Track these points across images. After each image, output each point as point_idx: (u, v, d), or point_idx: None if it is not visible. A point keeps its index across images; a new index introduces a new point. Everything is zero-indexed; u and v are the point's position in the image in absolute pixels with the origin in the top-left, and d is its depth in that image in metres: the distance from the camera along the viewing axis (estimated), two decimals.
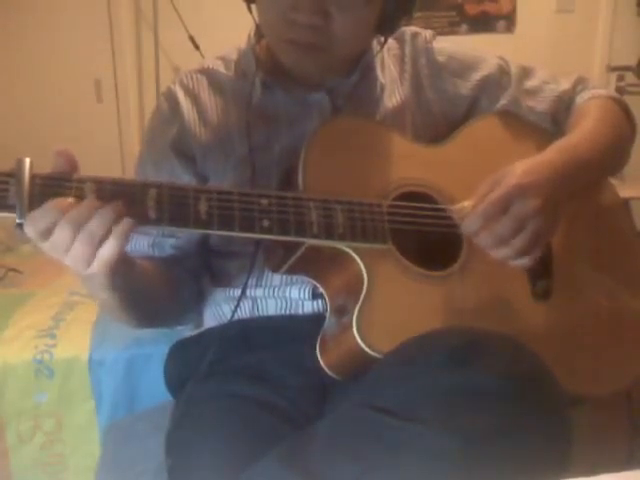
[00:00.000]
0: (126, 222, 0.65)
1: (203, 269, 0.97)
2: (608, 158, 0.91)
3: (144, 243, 0.91)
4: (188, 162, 0.91)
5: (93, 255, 0.65)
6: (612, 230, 0.98)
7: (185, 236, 0.91)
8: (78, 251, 0.64)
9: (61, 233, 0.63)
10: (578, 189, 0.85)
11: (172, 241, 0.91)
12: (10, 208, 0.62)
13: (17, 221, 0.62)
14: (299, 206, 0.75)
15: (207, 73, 0.95)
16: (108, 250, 0.65)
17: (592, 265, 0.92)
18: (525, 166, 0.78)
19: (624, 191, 1.04)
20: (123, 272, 0.73)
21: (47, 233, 0.63)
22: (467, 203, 0.78)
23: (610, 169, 0.96)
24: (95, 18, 2.68)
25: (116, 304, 0.80)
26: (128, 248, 0.88)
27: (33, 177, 0.63)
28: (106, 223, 0.64)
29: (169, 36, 2.68)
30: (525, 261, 0.78)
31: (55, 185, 0.64)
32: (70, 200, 0.64)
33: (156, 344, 1.29)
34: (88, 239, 0.63)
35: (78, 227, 0.63)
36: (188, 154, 0.91)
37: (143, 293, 0.83)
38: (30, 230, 0.63)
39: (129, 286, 0.77)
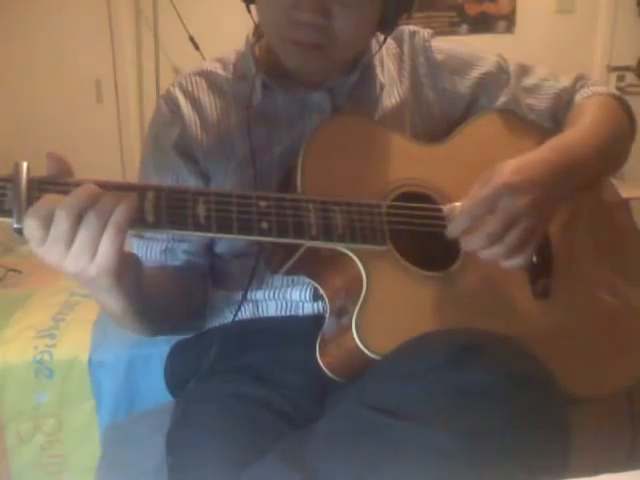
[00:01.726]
0: (126, 204, 0.64)
1: (209, 273, 0.97)
2: (606, 156, 0.90)
3: (156, 250, 0.90)
4: (192, 163, 0.91)
5: (96, 246, 0.63)
6: (613, 229, 0.98)
7: (196, 240, 0.91)
8: (82, 240, 0.62)
9: (60, 224, 0.61)
10: (574, 187, 0.84)
11: (184, 246, 0.91)
12: (7, 213, 0.62)
13: (15, 226, 0.62)
14: (298, 208, 0.75)
15: (206, 75, 0.95)
16: (111, 238, 0.63)
17: (592, 264, 0.92)
18: (515, 164, 0.77)
19: (624, 191, 1.04)
20: (131, 270, 0.71)
21: (45, 228, 0.62)
22: (458, 204, 0.77)
23: (609, 167, 0.95)
24: (95, 18, 2.68)
25: (123, 310, 0.77)
26: (142, 256, 0.88)
27: (30, 181, 0.63)
28: (107, 209, 0.63)
29: (169, 36, 2.68)
30: (518, 261, 0.77)
31: (52, 189, 0.64)
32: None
33: (156, 344, 1.28)
34: (92, 227, 0.62)
35: (79, 215, 0.62)
36: (191, 155, 0.91)
37: (153, 299, 0.81)
38: (29, 229, 0.62)
39: (138, 291, 0.75)
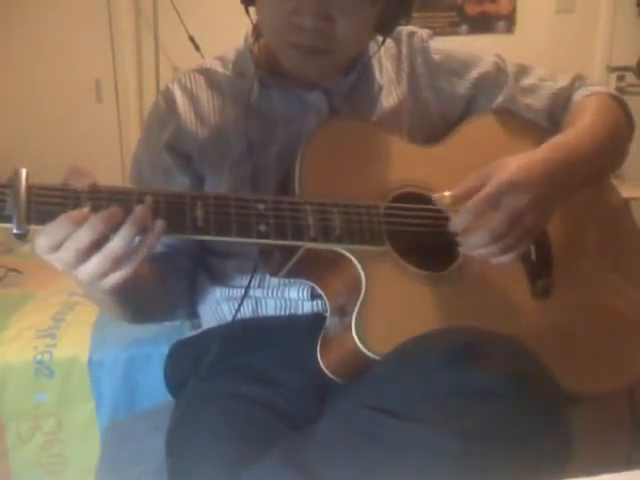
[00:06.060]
0: (152, 236, 0.66)
1: (194, 266, 0.96)
2: (605, 155, 0.90)
3: None
4: (183, 162, 0.91)
5: (110, 272, 0.66)
6: (613, 229, 0.98)
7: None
8: (93, 267, 0.65)
9: (73, 246, 0.63)
10: (575, 185, 0.84)
11: (162, 239, 0.91)
12: (7, 219, 0.62)
13: (14, 232, 0.62)
14: (296, 210, 0.75)
15: (205, 72, 0.96)
16: (126, 271, 0.66)
17: (592, 264, 0.92)
18: (518, 162, 0.77)
19: (624, 191, 1.04)
20: None
21: (57, 247, 0.63)
22: (447, 193, 0.77)
23: (607, 167, 0.95)
24: (95, 18, 2.68)
25: (112, 302, 0.81)
26: None
27: (30, 187, 0.63)
28: (128, 240, 0.65)
29: (169, 36, 2.68)
30: (510, 257, 0.77)
31: (51, 195, 0.64)
32: (85, 211, 0.63)
33: (156, 344, 1.29)
34: (108, 257, 0.64)
35: (97, 242, 0.63)
36: (183, 154, 0.91)
37: (137, 292, 0.82)
38: (43, 243, 0.63)
39: (126, 286, 0.76)
